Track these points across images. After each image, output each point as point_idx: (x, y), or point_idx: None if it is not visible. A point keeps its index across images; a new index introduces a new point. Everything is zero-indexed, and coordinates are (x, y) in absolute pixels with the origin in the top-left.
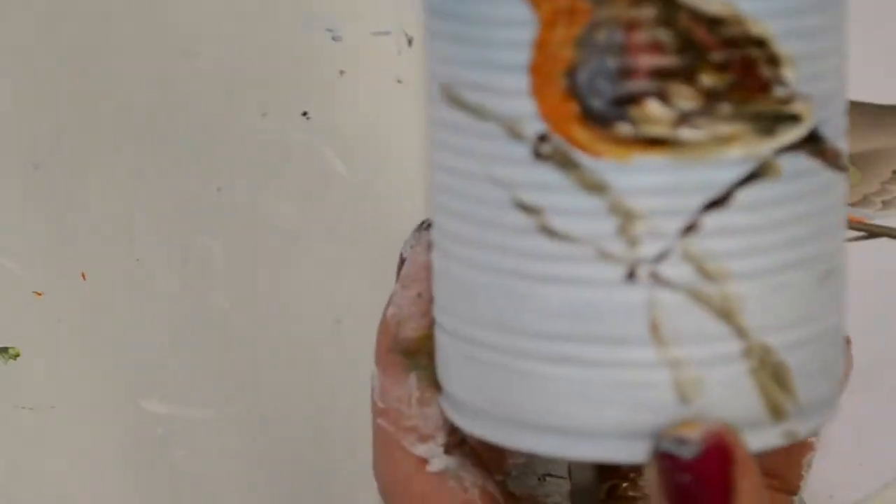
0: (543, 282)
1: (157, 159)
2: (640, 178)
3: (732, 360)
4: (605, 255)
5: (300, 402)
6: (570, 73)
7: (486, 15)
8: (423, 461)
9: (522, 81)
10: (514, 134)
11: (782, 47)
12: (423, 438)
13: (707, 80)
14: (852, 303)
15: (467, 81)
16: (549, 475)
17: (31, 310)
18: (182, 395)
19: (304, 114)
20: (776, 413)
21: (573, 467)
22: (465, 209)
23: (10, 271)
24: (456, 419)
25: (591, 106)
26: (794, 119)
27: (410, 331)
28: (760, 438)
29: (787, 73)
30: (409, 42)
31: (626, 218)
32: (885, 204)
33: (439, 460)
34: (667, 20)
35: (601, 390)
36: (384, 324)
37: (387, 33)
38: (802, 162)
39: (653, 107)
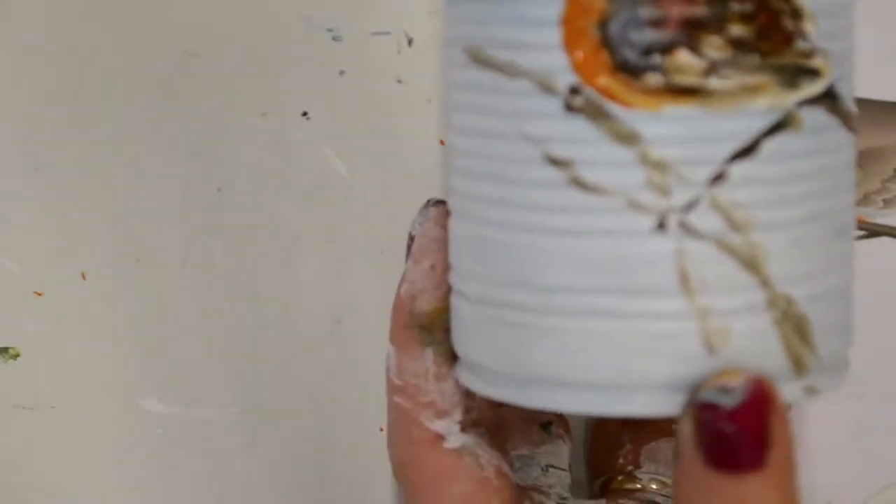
0: (573, 235)
1: (158, 159)
2: (670, 127)
3: (758, 310)
4: (635, 206)
5: (300, 401)
6: (602, 24)
7: None
8: (440, 438)
9: (553, 35)
10: (546, 88)
11: (805, 2)
12: (440, 414)
13: (735, 29)
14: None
15: (496, 40)
16: (552, 466)
17: (31, 310)
18: (182, 395)
19: (304, 114)
20: (798, 367)
21: (572, 458)
22: (494, 169)
23: (10, 271)
24: (478, 387)
25: (624, 56)
26: (814, 73)
27: (425, 304)
28: (785, 392)
29: (809, 26)
30: (409, 42)
31: (656, 168)
32: (887, 202)
33: (456, 437)
34: None
35: (630, 342)
36: (398, 300)
37: (387, 33)
38: (821, 117)
39: (683, 56)
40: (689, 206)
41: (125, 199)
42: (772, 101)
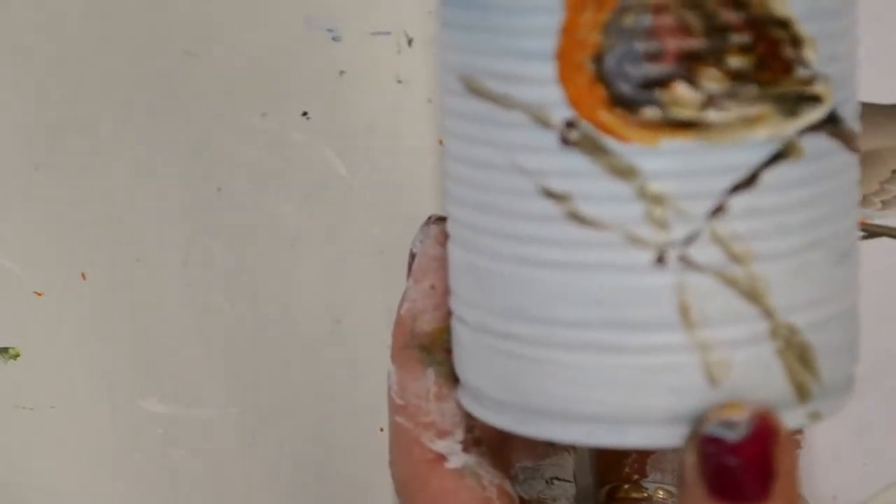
0: (571, 269)
1: (158, 159)
2: (668, 161)
3: (760, 340)
4: (633, 240)
5: (300, 401)
6: (598, 58)
7: (511, 2)
8: (442, 458)
9: (549, 68)
10: (541, 121)
11: (805, 28)
12: (441, 434)
13: (733, 61)
14: None
15: (490, 71)
16: (556, 479)
17: (31, 310)
18: (182, 395)
19: (304, 114)
20: (802, 394)
21: (576, 469)
22: (488, 200)
23: (10, 271)
24: (479, 413)
25: (620, 90)
26: (815, 100)
27: (426, 324)
28: (788, 420)
29: (809, 54)
30: (409, 42)
31: (654, 202)
32: (885, 204)
33: (457, 458)
34: (693, 2)
35: (630, 376)
36: (399, 320)
37: (387, 33)
38: (823, 142)
39: (681, 90)
40: (689, 240)
41: (125, 199)
42: (771, 131)
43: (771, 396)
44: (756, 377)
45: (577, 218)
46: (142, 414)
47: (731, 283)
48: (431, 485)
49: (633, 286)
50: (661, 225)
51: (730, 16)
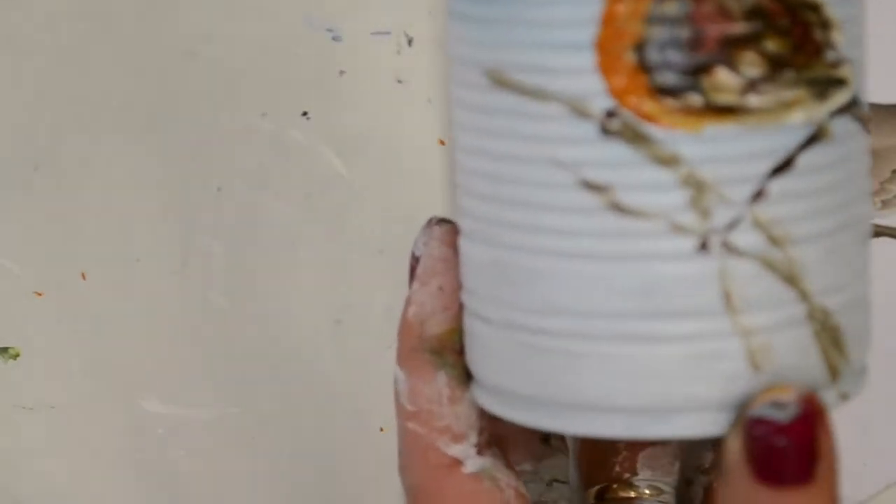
0: (612, 260)
1: (157, 159)
2: (710, 147)
3: (798, 324)
4: (676, 228)
5: (300, 401)
6: (639, 46)
7: None
8: (458, 462)
9: (588, 59)
10: (579, 112)
11: (832, 11)
12: (457, 438)
13: (771, 46)
14: None
15: (522, 63)
16: (556, 481)
17: (31, 310)
18: (182, 395)
19: (304, 114)
20: (834, 375)
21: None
22: (519, 194)
23: (10, 271)
24: (503, 412)
25: (662, 78)
26: (841, 83)
27: (435, 326)
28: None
29: (836, 37)
30: (409, 42)
31: (697, 189)
32: (885, 203)
33: (473, 461)
34: None
35: (674, 365)
36: (405, 324)
37: (387, 33)
38: (848, 125)
39: (722, 75)
40: (731, 226)
41: (125, 199)
42: (807, 114)
43: (808, 378)
44: (795, 360)
45: (618, 208)
46: (142, 414)
47: (771, 267)
48: (449, 491)
49: (676, 274)
50: (704, 212)
51: (766, 0)
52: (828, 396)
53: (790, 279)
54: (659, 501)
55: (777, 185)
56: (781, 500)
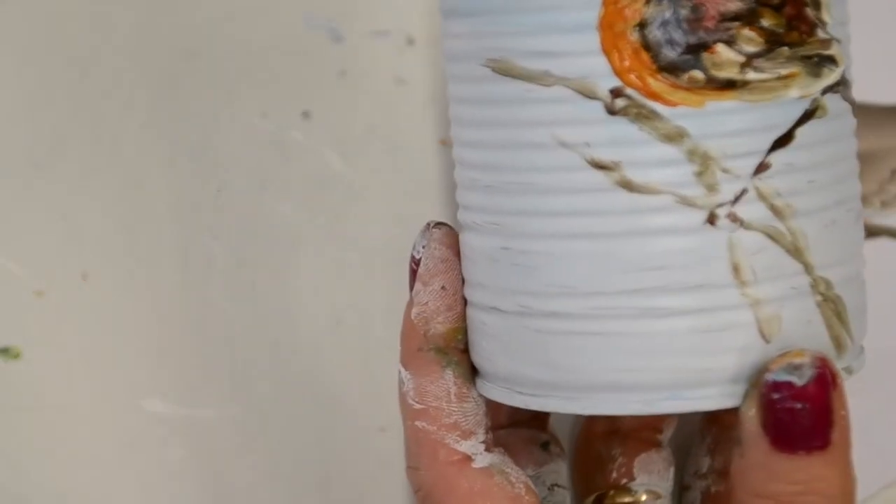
0: (623, 238)
1: (158, 159)
2: (714, 122)
3: (803, 295)
4: (685, 202)
5: (301, 401)
6: (642, 26)
7: None
8: (468, 458)
9: (592, 40)
10: (585, 94)
11: None
12: (466, 434)
13: (767, 22)
14: None
15: (525, 49)
16: (557, 485)
17: (31, 310)
18: (182, 395)
19: (305, 114)
20: (839, 347)
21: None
22: (527, 180)
23: (10, 271)
24: (517, 401)
25: (666, 56)
26: (832, 61)
27: (440, 325)
28: None
29: (826, 16)
30: (410, 42)
31: (703, 163)
32: (884, 204)
33: (483, 457)
34: None
35: (689, 339)
36: (409, 325)
37: (387, 33)
38: (839, 103)
39: (723, 51)
40: (737, 199)
41: (125, 199)
42: (803, 90)
43: (815, 350)
44: (802, 331)
45: (627, 185)
46: (142, 414)
47: (776, 238)
48: (461, 486)
49: (687, 248)
50: (711, 185)
51: None
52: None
53: (794, 251)
54: None
55: (778, 158)
56: (799, 467)
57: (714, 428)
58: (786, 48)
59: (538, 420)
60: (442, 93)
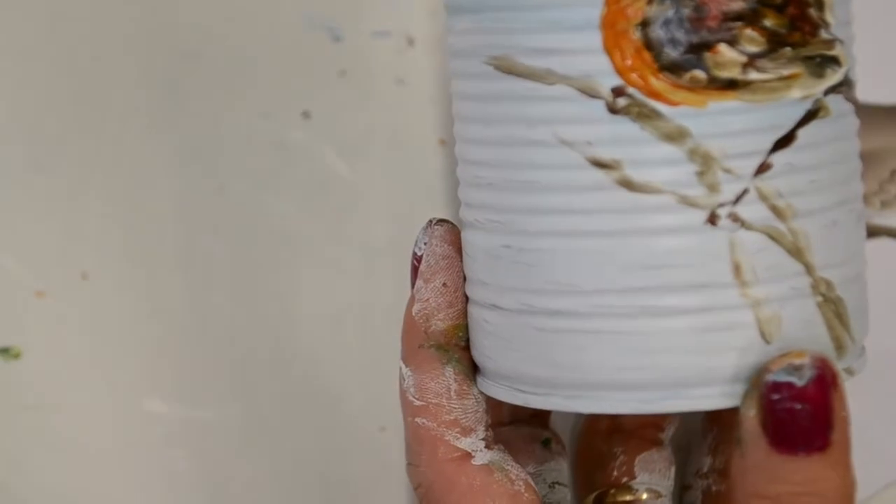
0: (624, 236)
1: (158, 159)
2: (715, 122)
3: (804, 295)
4: (686, 202)
5: (301, 401)
6: (644, 25)
7: None
8: (468, 455)
9: (594, 39)
10: (587, 92)
11: None
12: (466, 431)
13: (769, 22)
14: None
15: (528, 47)
16: (557, 483)
17: (31, 310)
18: (182, 395)
19: (305, 114)
20: (840, 348)
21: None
22: (528, 178)
23: (10, 271)
24: (519, 399)
25: (668, 56)
26: (835, 62)
27: (441, 322)
28: None
29: (829, 17)
30: (410, 42)
31: (704, 163)
32: (884, 204)
33: (482, 454)
34: None
35: (686, 338)
36: (410, 321)
37: (387, 33)
38: (841, 104)
39: (725, 51)
40: (738, 199)
41: (125, 199)
42: (805, 90)
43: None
44: (802, 332)
45: (627, 184)
46: (142, 414)
47: (777, 239)
48: (461, 482)
49: (687, 248)
50: (712, 185)
51: None
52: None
53: (795, 252)
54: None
55: (780, 159)
56: (799, 468)
57: (715, 427)
58: (788, 49)
59: (539, 417)
60: (442, 93)
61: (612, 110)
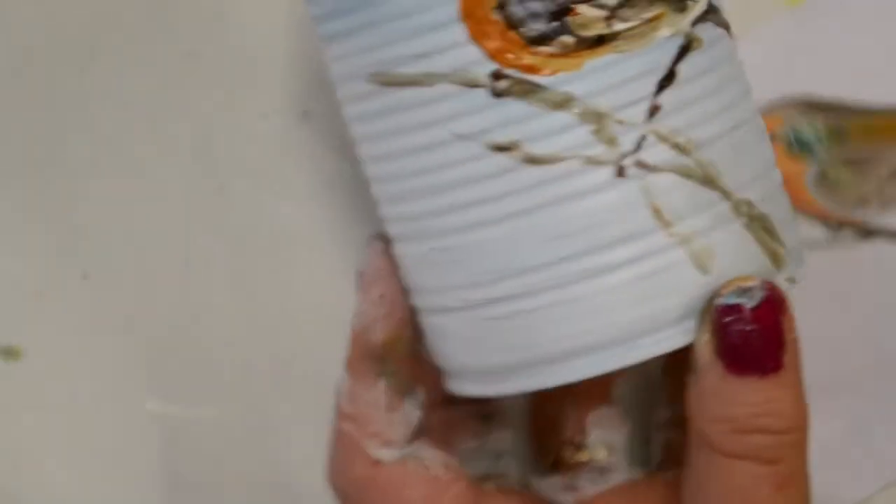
0: (539, 211)
1: (158, 159)
2: (596, 79)
3: (729, 220)
4: (591, 161)
5: (301, 402)
6: (501, 7)
7: None
8: (382, 461)
9: (459, 31)
10: (469, 83)
11: None
12: (387, 443)
13: None
14: (851, 305)
15: (403, 56)
16: (504, 453)
17: (31, 310)
18: (182, 395)
19: (304, 114)
20: (776, 261)
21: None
22: (437, 180)
23: (11, 271)
24: (486, 391)
25: (532, 29)
26: None
27: (379, 333)
28: None
29: None
30: None
31: (597, 121)
32: (884, 204)
33: (394, 453)
34: None
35: (626, 292)
36: (351, 333)
37: None
38: (712, 31)
39: (585, 11)
40: (638, 146)
41: (125, 198)
42: (672, 27)
43: (755, 269)
44: (737, 254)
45: (532, 160)
46: (142, 414)
47: (687, 174)
48: (377, 482)
49: (604, 205)
50: (610, 139)
51: None
52: (777, 282)
53: (708, 181)
54: (612, 461)
55: (667, 98)
56: (753, 390)
57: (670, 379)
58: None
59: None
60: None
61: (497, 94)
